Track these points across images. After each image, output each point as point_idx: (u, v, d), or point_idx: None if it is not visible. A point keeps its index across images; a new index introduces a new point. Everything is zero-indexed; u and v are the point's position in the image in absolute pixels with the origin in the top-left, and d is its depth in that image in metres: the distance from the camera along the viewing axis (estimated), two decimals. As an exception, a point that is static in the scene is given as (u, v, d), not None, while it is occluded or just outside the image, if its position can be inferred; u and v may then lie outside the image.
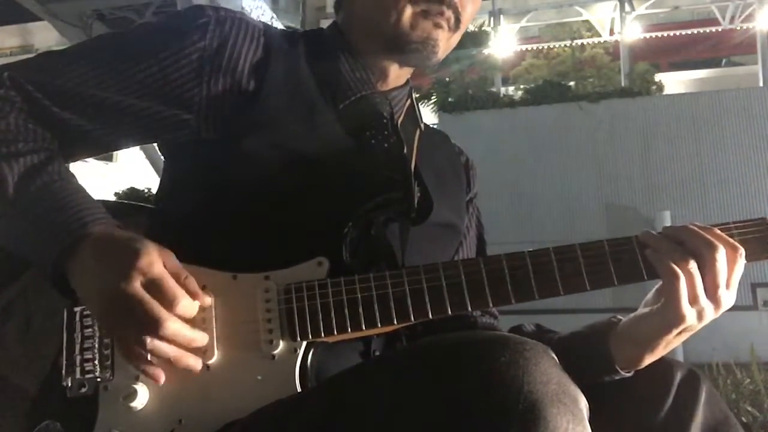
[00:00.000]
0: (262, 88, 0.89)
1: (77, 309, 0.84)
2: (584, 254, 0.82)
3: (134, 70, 0.87)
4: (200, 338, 0.78)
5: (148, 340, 0.73)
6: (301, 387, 0.79)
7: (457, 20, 0.95)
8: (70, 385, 0.82)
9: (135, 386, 0.79)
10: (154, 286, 0.74)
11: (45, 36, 12.79)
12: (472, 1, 0.96)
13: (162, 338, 0.74)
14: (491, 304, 0.81)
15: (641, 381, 0.86)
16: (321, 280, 0.82)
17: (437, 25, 0.94)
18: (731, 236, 0.82)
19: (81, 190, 0.84)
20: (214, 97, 0.88)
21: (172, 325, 0.73)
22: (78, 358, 0.82)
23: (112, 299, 0.74)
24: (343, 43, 0.98)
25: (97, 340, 0.83)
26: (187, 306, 0.76)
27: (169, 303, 0.74)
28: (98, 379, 0.81)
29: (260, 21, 0.97)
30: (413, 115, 1.05)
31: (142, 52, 0.88)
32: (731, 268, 0.80)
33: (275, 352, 0.80)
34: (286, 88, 0.91)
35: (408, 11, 0.92)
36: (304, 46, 0.97)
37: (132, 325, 0.73)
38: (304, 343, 0.81)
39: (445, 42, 0.96)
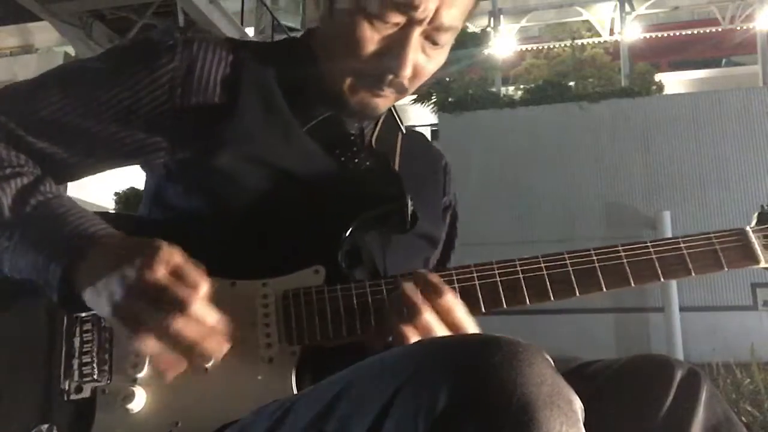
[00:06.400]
0: (236, 106, 0.89)
1: (77, 315, 0.85)
2: (572, 261, 0.85)
3: (106, 97, 0.87)
4: (224, 321, 0.77)
5: (174, 321, 0.72)
6: (297, 390, 0.80)
7: (402, 91, 0.94)
8: (67, 388, 0.82)
9: (132, 389, 0.80)
10: (176, 274, 0.74)
11: (45, 36, 12.77)
12: (433, 59, 0.92)
13: (188, 320, 0.73)
14: (483, 310, 0.84)
15: (641, 380, 0.85)
16: (318, 287, 0.84)
17: (377, 96, 0.93)
18: (711, 245, 0.88)
19: (76, 205, 0.85)
20: (186, 118, 0.88)
21: (200, 306, 0.73)
22: (76, 362, 0.83)
23: (134, 290, 0.73)
24: (312, 59, 0.97)
25: (95, 345, 0.83)
26: (207, 291, 0.75)
27: (193, 288, 0.73)
28: (96, 383, 0.82)
29: (228, 37, 0.97)
30: (392, 122, 1.05)
31: (112, 77, 0.88)
32: None
33: (273, 355, 0.81)
34: (258, 105, 0.91)
35: (349, 81, 0.92)
36: (275, 61, 0.96)
37: (155, 313, 0.72)
38: (301, 347, 0.82)
39: (390, 102, 0.96)
